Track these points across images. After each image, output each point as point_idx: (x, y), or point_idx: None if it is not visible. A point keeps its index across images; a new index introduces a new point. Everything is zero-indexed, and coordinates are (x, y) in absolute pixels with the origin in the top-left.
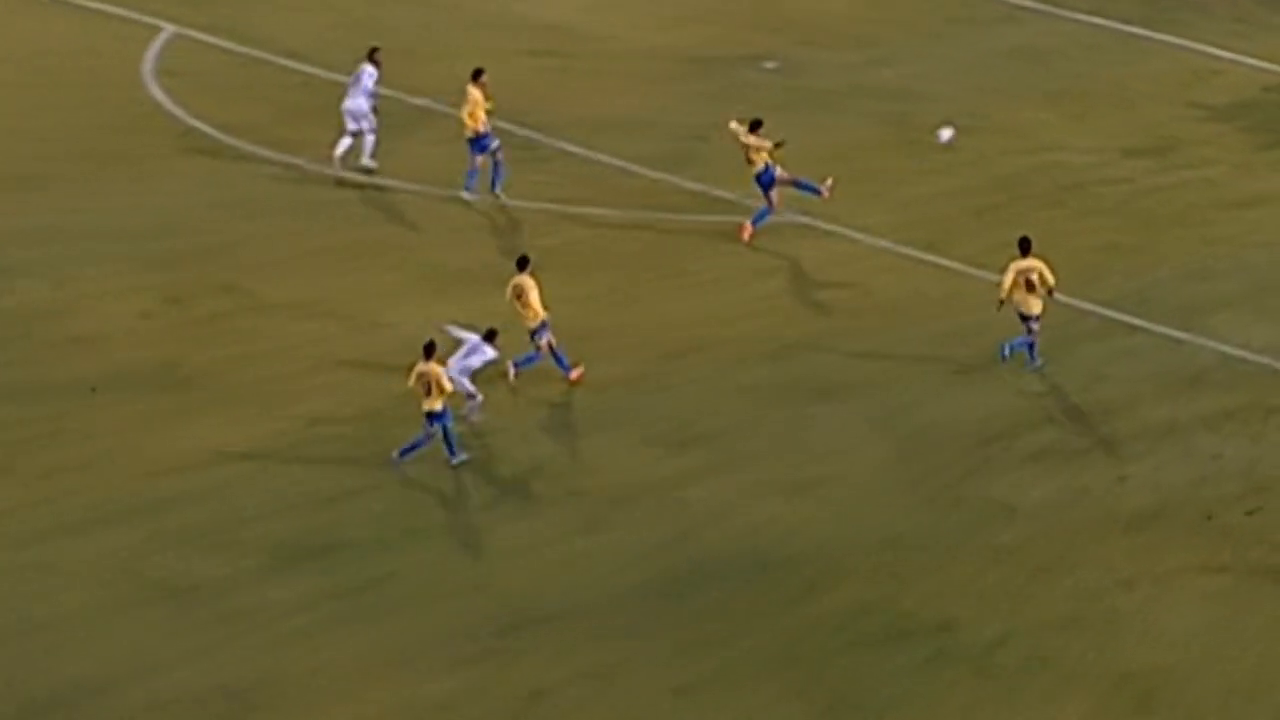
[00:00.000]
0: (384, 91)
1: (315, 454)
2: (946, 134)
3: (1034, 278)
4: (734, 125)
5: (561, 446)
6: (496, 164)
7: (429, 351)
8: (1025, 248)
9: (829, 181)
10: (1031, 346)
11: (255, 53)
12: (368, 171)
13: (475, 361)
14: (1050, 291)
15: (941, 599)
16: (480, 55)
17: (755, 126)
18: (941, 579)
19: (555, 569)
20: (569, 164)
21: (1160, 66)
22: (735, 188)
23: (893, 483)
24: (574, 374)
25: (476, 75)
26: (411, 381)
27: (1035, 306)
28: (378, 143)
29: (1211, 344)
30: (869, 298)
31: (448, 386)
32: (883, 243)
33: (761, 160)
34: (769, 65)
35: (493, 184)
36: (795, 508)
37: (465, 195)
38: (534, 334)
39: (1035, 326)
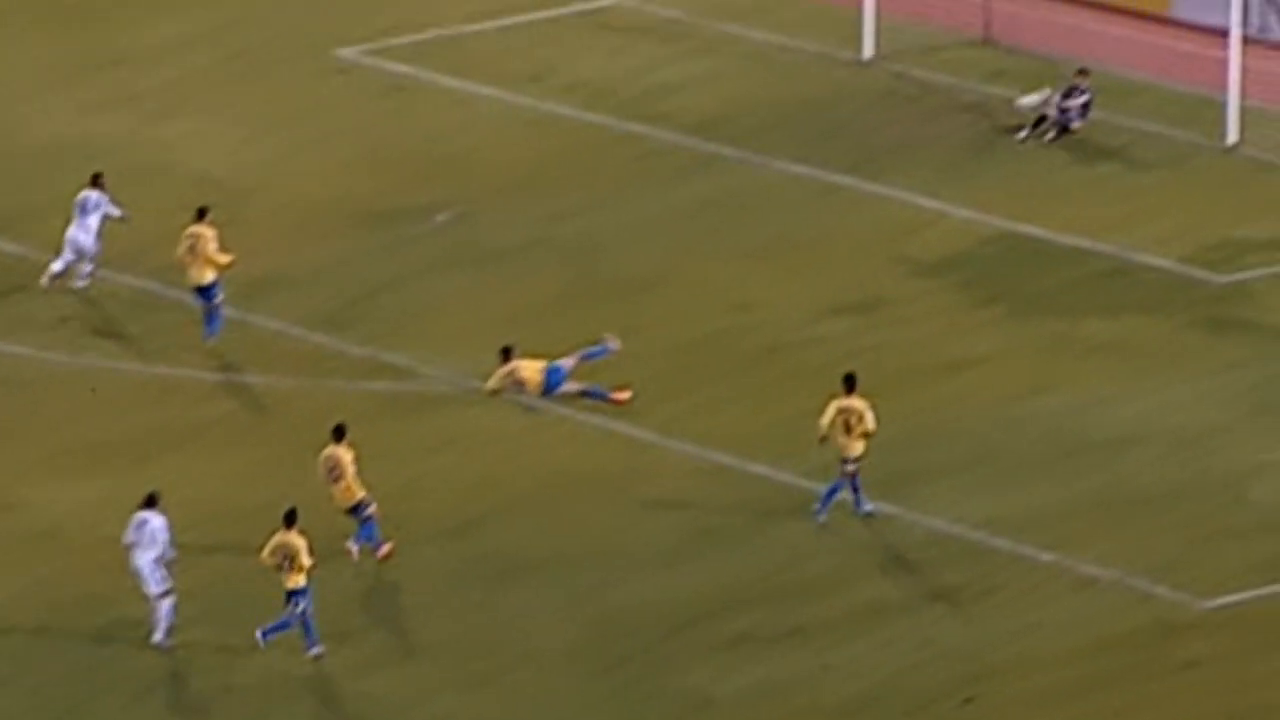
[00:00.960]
0: (12, 249)
1: None
2: (1033, 99)
3: (852, 419)
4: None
5: (212, 634)
6: (214, 315)
7: (290, 520)
8: (849, 385)
9: (626, 394)
10: (856, 490)
11: None
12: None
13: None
14: (866, 435)
15: None
16: (130, 208)
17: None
18: None
19: None
20: (227, 328)
21: (868, 219)
22: (405, 351)
23: (581, 672)
24: (385, 549)
25: (202, 215)
26: (267, 554)
27: (855, 448)
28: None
29: (922, 518)
30: (554, 469)
31: (306, 561)
32: (567, 411)
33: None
34: (441, 218)
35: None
36: (473, 703)
37: (209, 340)
38: (357, 510)
39: (851, 469)
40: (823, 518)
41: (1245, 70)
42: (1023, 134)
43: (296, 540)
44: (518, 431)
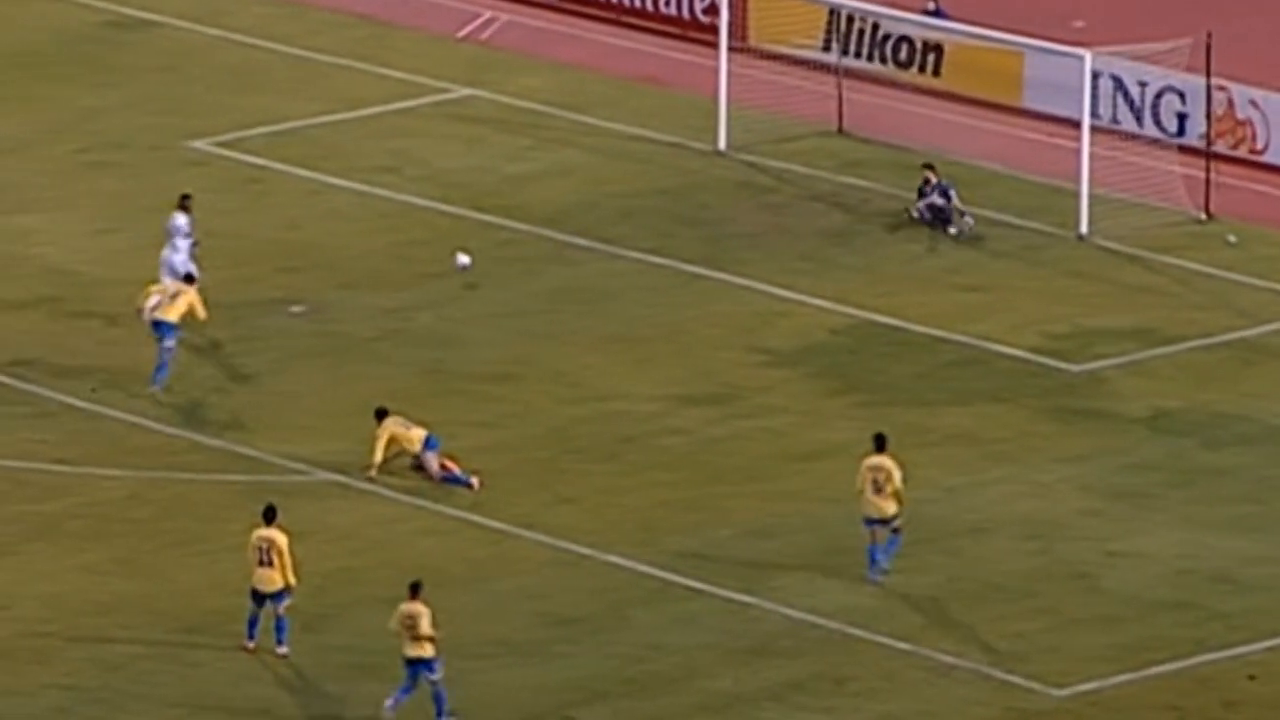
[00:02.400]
0: None
1: None
2: (463, 259)
3: (881, 478)
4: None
5: None
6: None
7: (415, 590)
8: (879, 444)
9: (478, 480)
10: (887, 550)
11: None
12: None
13: None
14: (897, 494)
15: None
16: None
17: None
18: None
19: None
20: (77, 420)
21: (723, 309)
22: (258, 443)
23: None
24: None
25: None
26: (393, 623)
27: (889, 508)
28: None
29: (778, 608)
30: (412, 561)
31: (428, 630)
32: (425, 503)
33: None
34: (296, 310)
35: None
36: None
37: (153, 389)
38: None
39: (897, 525)
40: (877, 574)
41: (1095, 159)
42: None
43: (420, 609)
44: (373, 523)
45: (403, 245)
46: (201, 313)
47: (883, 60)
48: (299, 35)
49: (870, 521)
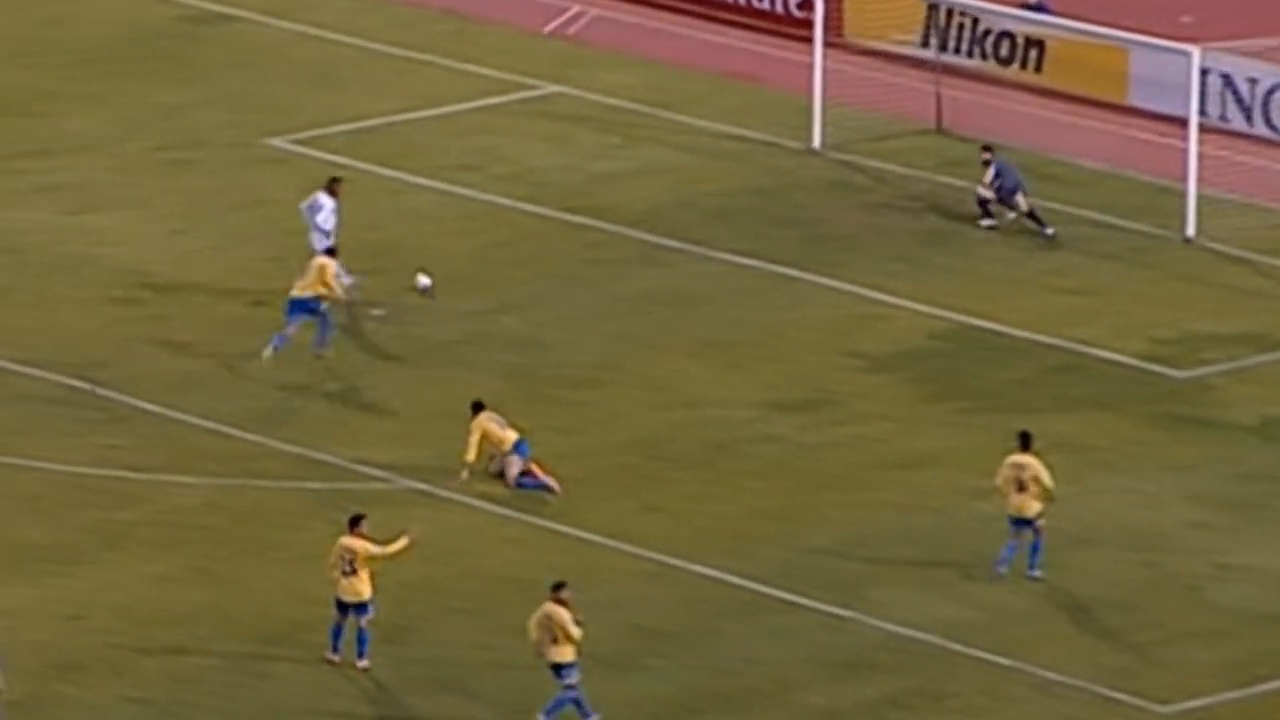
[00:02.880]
0: None
1: None
2: (424, 281)
3: (1026, 476)
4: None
5: None
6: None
7: (558, 589)
8: (1024, 442)
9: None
10: (1035, 550)
11: None
12: None
13: None
14: (1044, 493)
15: None
16: (52, 304)
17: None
18: None
19: None
20: (151, 425)
21: (817, 312)
22: (336, 450)
23: None
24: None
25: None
26: (533, 626)
27: (1032, 507)
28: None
29: (875, 621)
30: (495, 571)
31: (574, 633)
32: (508, 511)
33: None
34: (376, 312)
35: (320, 342)
36: None
37: (267, 353)
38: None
39: (1040, 525)
40: (1003, 569)
41: (1203, 159)
42: (987, 223)
43: (562, 612)
44: (455, 532)
45: (487, 246)
46: (336, 289)
47: (983, 56)
48: (380, 30)
49: (1015, 521)
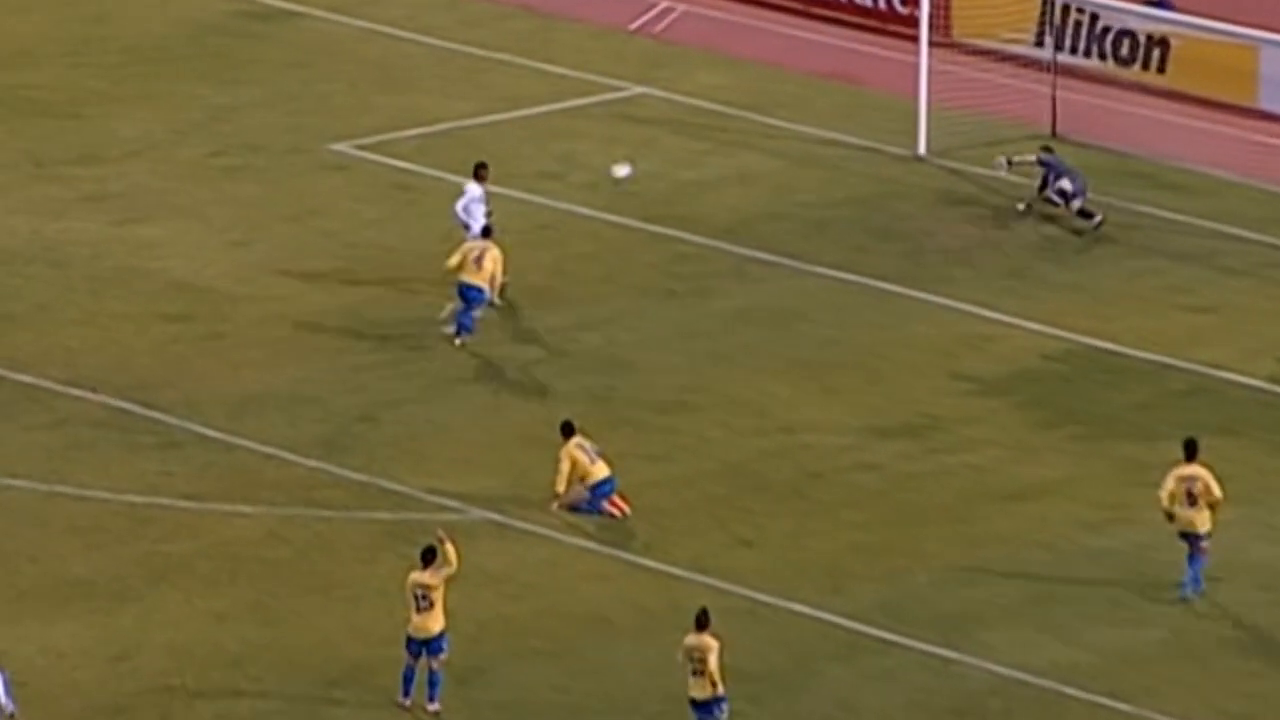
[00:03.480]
0: None
1: None
2: (624, 170)
3: (1197, 488)
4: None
5: None
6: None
7: (701, 623)
8: (1190, 452)
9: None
10: (1201, 563)
11: None
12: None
13: None
14: (1214, 506)
15: None
16: (101, 321)
17: None
18: None
19: None
20: (207, 451)
21: (922, 331)
22: (405, 478)
23: None
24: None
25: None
26: (682, 655)
27: (1203, 521)
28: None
29: (983, 664)
30: (573, 609)
31: (715, 666)
32: (589, 544)
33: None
34: (449, 330)
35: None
36: None
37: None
38: (433, 647)
39: (1205, 545)
40: (1191, 590)
41: None
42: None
43: (709, 642)
44: (532, 566)
45: (566, 259)
46: (495, 288)
47: (1102, 56)
48: (452, 27)
49: (1186, 538)
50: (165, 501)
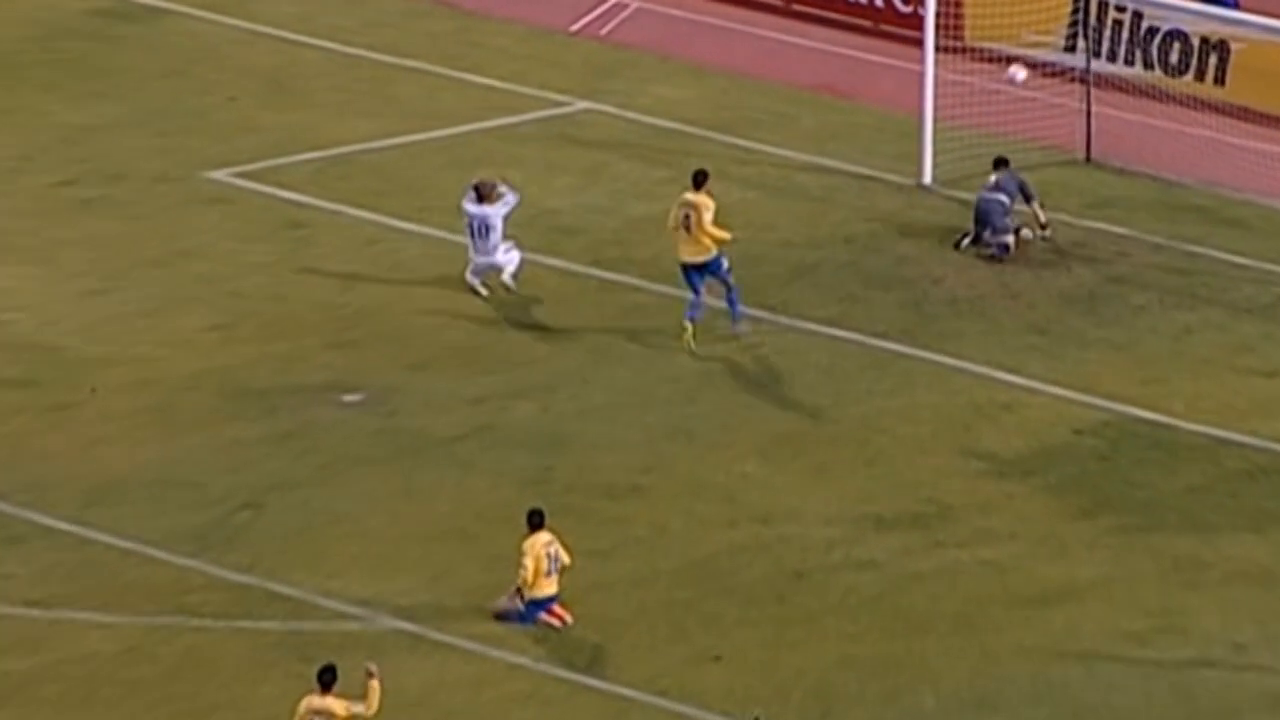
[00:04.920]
0: None
1: None
2: (1021, 74)
3: None
4: None
5: None
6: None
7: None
8: None
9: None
10: None
11: None
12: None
13: None
14: None
15: None
16: None
17: None
18: None
19: None
20: (56, 547)
21: (927, 399)
22: (299, 580)
23: None
24: None
25: (700, 181)
26: None
27: None
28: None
29: None
30: None
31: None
32: (523, 660)
33: None
34: (351, 398)
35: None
36: None
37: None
38: None
39: None
40: None
41: None
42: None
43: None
44: (453, 686)
45: (495, 311)
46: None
47: (1147, 64)
48: (354, 29)
49: None
50: (3, 610)
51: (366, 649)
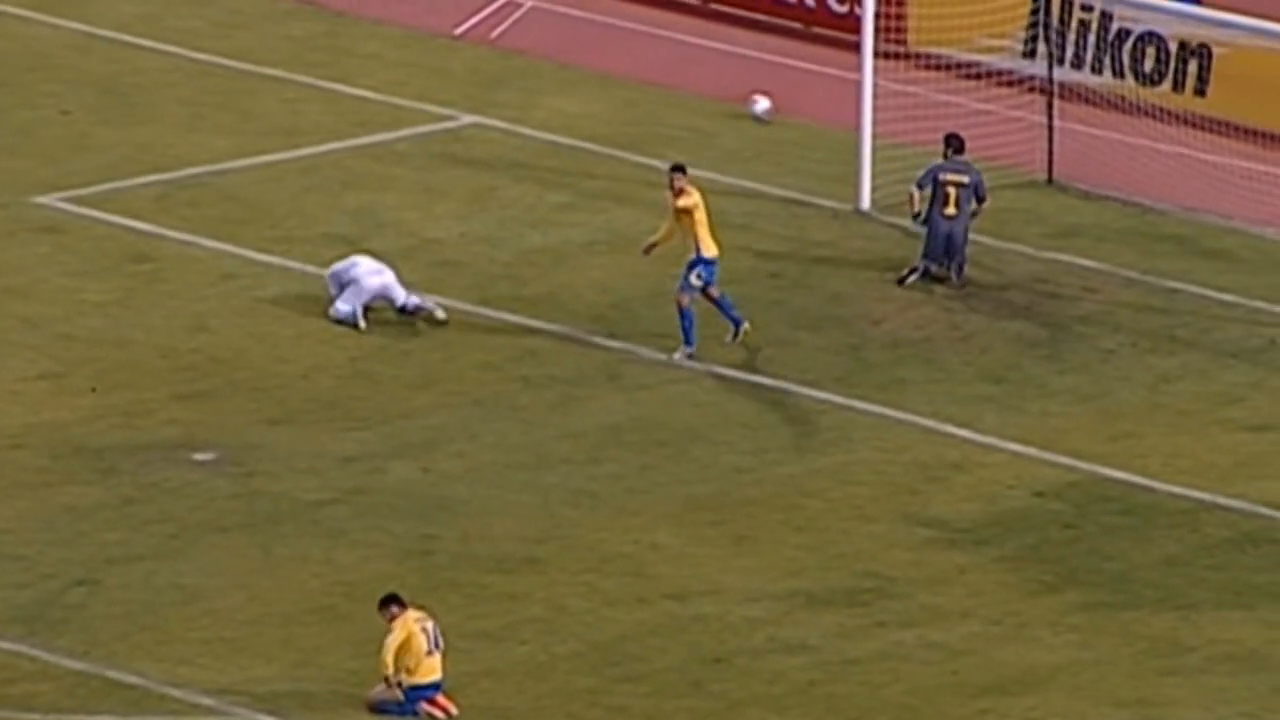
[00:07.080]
0: None
1: None
2: (761, 104)
3: None
4: None
5: None
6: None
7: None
8: None
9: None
10: None
11: None
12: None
13: None
14: None
15: None
16: None
17: None
18: None
19: None
20: None
21: (866, 457)
22: (143, 666)
23: None
24: None
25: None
26: None
27: None
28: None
29: None
30: None
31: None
32: None
33: None
34: (202, 458)
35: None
36: None
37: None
38: None
39: None
40: None
41: None
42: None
43: None
44: None
45: (368, 358)
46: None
47: (1117, 72)
48: (205, 32)
49: None
50: None
51: None
